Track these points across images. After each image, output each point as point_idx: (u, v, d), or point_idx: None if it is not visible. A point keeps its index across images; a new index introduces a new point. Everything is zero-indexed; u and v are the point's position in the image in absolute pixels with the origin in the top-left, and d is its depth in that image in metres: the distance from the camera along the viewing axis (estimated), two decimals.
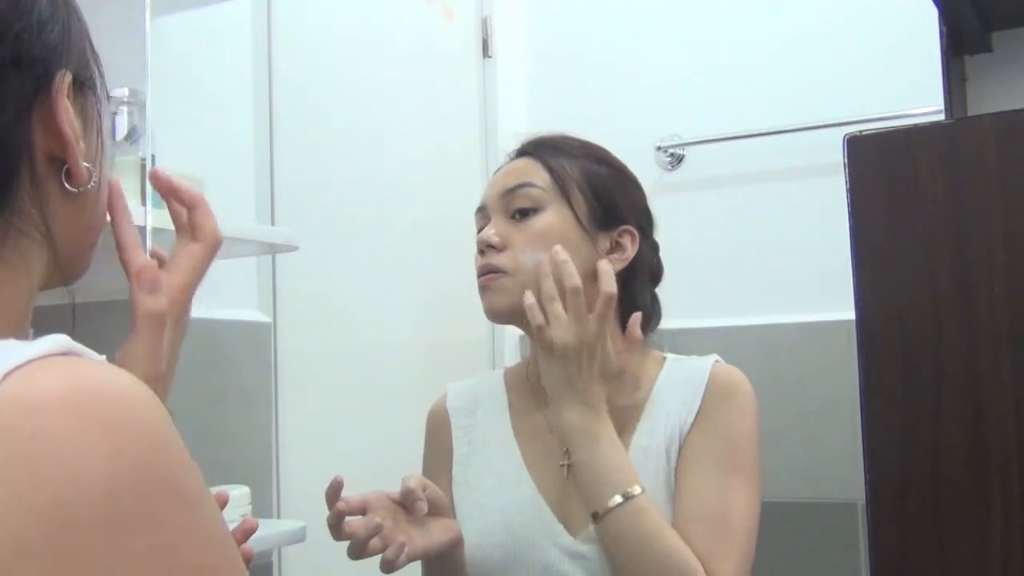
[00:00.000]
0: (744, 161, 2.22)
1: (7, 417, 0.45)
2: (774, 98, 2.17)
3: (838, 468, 1.92)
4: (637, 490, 1.08)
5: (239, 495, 1.38)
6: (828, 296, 1.87)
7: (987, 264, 1.19)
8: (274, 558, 1.65)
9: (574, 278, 1.10)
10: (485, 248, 1.19)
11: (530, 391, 1.25)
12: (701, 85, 2.26)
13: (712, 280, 2.20)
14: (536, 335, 1.12)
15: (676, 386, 1.18)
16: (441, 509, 1.15)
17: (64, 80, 0.60)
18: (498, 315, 1.20)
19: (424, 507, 1.10)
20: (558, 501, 1.16)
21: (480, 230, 1.23)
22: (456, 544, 1.16)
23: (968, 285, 1.20)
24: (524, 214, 1.19)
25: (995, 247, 1.19)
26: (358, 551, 1.06)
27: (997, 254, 1.19)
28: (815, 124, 2.07)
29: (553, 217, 1.18)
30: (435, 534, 1.12)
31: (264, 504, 1.62)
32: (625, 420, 1.18)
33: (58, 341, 0.49)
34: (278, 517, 1.67)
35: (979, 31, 1.61)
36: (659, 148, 2.28)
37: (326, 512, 1.07)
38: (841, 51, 2.11)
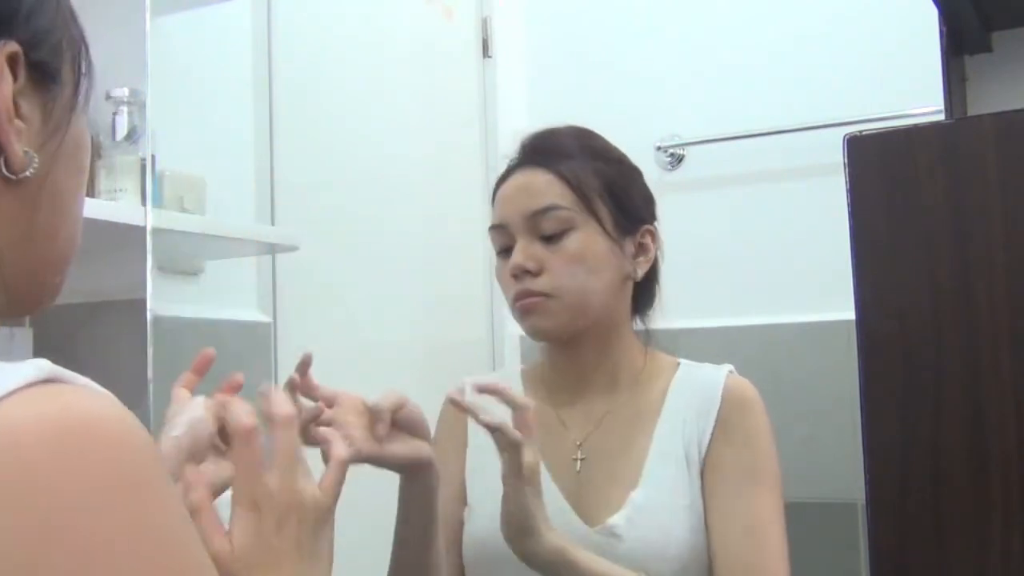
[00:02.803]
0: (744, 161, 2.21)
1: None
2: (774, 98, 2.17)
3: (838, 468, 1.91)
4: None
5: None
6: (828, 296, 1.86)
7: (987, 264, 1.19)
8: None
9: (527, 400, 1.09)
10: (520, 273, 1.19)
11: (546, 389, 1.27)
12: (701, 85, 2.26)
13: (712, 280, 2.20)
14: (511, 459, 1.05)
15: (691, 393, 1.21)
16: (418, 430, 1.06)
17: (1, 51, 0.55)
18: (542, 335, 1.22)
19: (383, 429, 1.02)
20: (573, 492, 1.18)
21: (500, 249, 1.24)
22: (422, 468, 1.06)
23: (968, 285, 1.20)
24: (555, 235, 1.19)
25: (995, 247, 1.19)
26: (301, 433, 1.00)
27: (997, 254, 1.19)
28: (815, 124, 2.07)
29: (584, 236, 1.19)
30: (396, 447, 1.03)
31: None
32: (641, 424, 1.21)
33: (39, 368, 0.48)
34: None
35: (979, 31, 1.61)
36: (659, 148, 2.28)
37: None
38: (841, 51, 2.11)
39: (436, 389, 1.33)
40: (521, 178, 1.23)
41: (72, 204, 0.63)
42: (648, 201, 1.28)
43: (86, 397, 0.48)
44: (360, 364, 1.92)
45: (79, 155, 0.63)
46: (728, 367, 1.24)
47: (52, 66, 0.59)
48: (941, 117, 1.50)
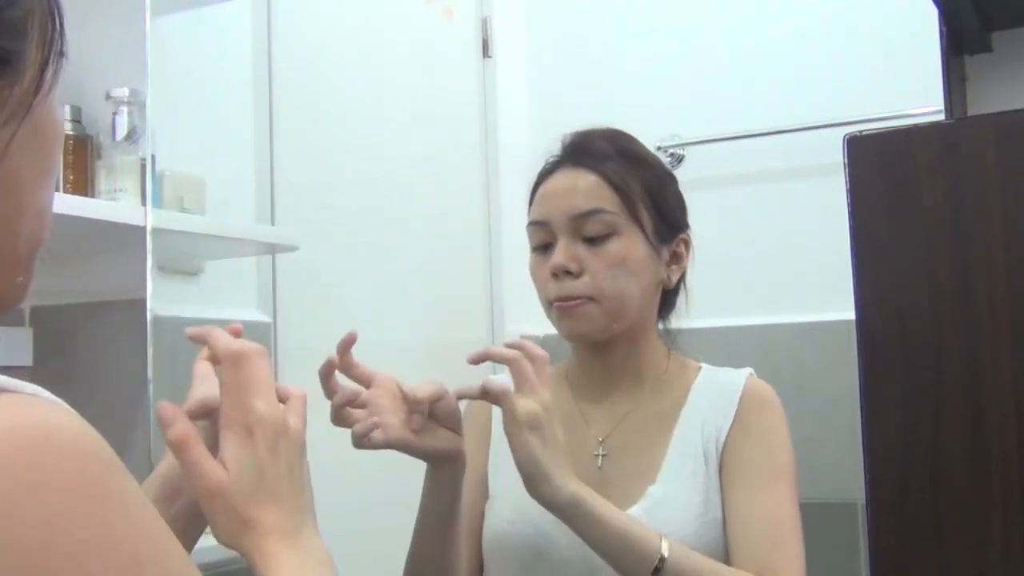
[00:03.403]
0: (744, 161, 2.21)
1: None
2: (774, 98, 2.17)
3: (838, 468, 1.91)
4: (664, 548, 1.07)
5: None
6: (828, 296, 1.86)
7: (987, 264, 1.19)
8: None
9: (538, 348, 1.10)
10: (561, 273, 1.20)
11: (571, 387, 1.29)
12: (701, 85, 2.26)
13: (712, 280, 2.18)
14: (503, 408, 1.06)
15: (712, 395, 1.23)
16: (452, 422, 1.10)
17: None
18: (579, 338, 1.24)
19: (418, 421, 1.07)
20: (593, 488, 1.18)
21: (538, 245, 1.24)
22: (451, 459, 1.11)
23: (968, 285, 1.20)
24: (598, 237, 1.20)
25: (995, 247, 1.19)
26: (335, 414, 1.05)
27: (997, 254, 1.19)
28: (815, 124, 2.06)
29: (627, 241, 1.21)
30: (429, 437, 1.08)
31: None
32: (662, 423, 1.23)
33: None
34: None
35: (979, 31, 1.61)
36: (659, 148, 2.28)
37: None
38: (841, 51, 2.11)
39: None
40: (565, 177, 1.24)
41: (33, 197, 0.58)
42: (683, 208, 1.31)
43: (40, 407, 0.46)
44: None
45: (42, 143, 0.57)
46: (748, 370, 1.26)
47: (7, 48, 0.53)
48: (941, 117, 1.50)
